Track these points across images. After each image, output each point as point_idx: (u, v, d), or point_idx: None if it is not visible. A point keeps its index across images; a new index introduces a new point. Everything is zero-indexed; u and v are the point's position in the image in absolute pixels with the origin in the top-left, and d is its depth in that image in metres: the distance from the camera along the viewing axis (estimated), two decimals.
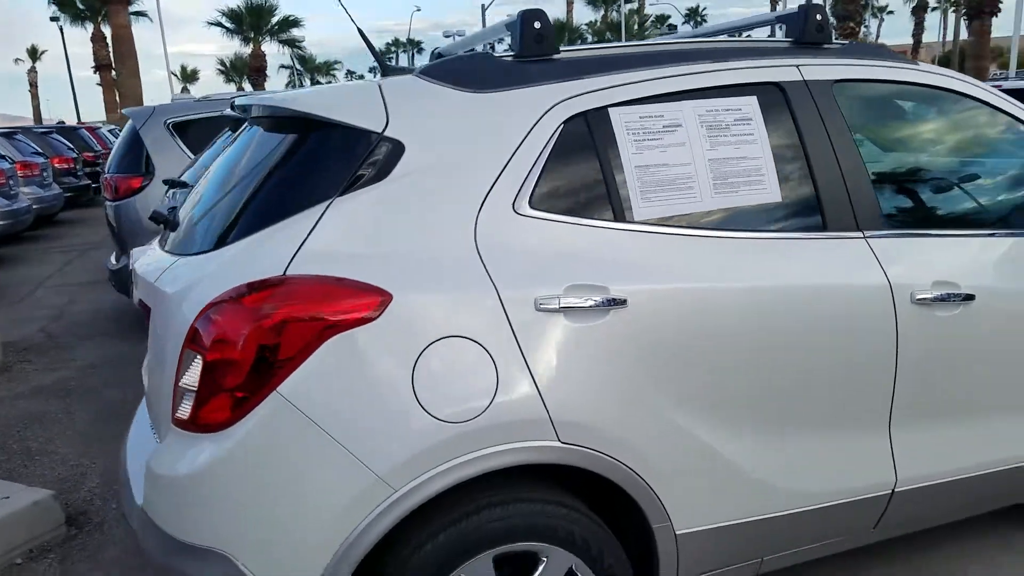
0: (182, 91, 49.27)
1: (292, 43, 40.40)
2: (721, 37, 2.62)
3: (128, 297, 6.72)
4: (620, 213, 2.04)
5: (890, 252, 2.29)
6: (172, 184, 4.60)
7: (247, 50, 39.69)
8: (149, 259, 2.25)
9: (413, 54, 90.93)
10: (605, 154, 2.06)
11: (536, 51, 2.12)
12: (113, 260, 6.10)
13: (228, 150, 2.36)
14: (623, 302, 1.95)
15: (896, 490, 2.37)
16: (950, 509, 2.59)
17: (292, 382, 1.71)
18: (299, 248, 1.79)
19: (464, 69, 2.05)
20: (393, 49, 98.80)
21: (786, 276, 2.15)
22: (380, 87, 1.99)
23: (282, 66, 66.98)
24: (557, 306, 1.89)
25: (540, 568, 1.93)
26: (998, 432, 2.52)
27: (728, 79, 2.23)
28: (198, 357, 1.75)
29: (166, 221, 2.39)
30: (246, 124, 2.38)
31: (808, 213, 2.24)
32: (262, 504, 1.72)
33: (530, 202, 1.95)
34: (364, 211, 1.85)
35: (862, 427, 2.29)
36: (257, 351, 1.70)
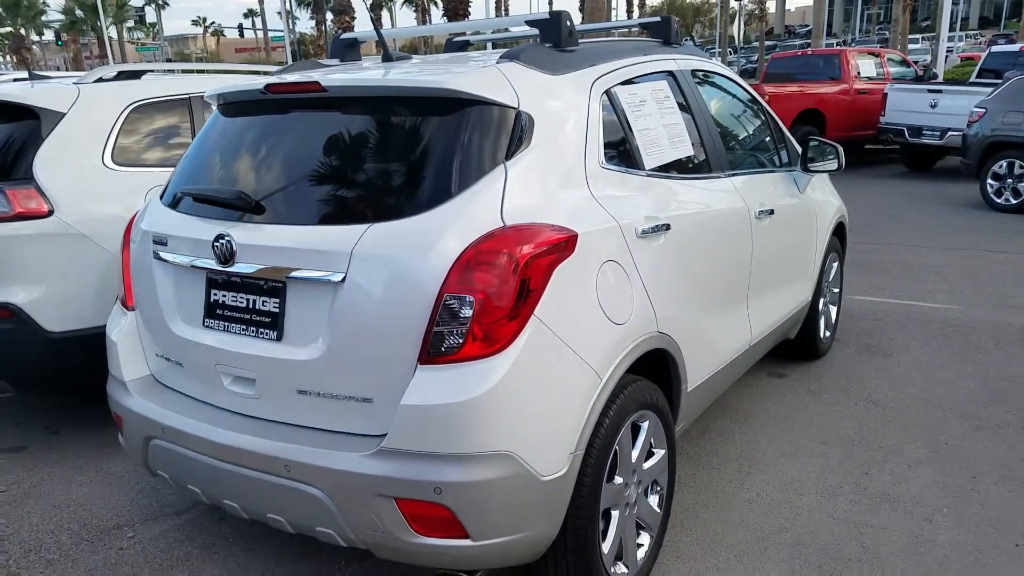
0: None
1: None
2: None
3: None
4: (640, 164, 2.78)
5: (739, 186, 3.42)
6: None
7: None
8: (257, 233, 2.29)
9: None
10: (622, 121, 2.76)
11: (570, 43, 2.72)
12: None
13: (291, 131, 2.46)
14: (669, 226, 2.72)
15: (751, 344, 3.56)
16: (763, 351, 3.89)
17: (541, 306, 2.13)
18: (502, 204, 2.19)
19: (540, 56, 2.56)
20: None
21: (715, 203, 3.15)
22: (499, 69, 2.41)
23: None
24: (649, 230, 2.59)
25: (644, 427, 2.61)
26: (785, 293, 3.91)
27: (653, 67, 3.10)
28: (466, 299, 2.05)
29: (231, 202, 2.37)
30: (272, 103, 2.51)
31: (703, 162, 3.24)
32: (532, 406, 2.11)
33: (604, 159, 2.58)
34: (527, 172, 2.29)
35: (742, 301, 3.41)
36: (520, 285, 2.09)
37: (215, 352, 2.41)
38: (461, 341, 2.06)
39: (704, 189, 3.14)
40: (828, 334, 4.88)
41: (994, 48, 14.80)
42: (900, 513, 3.12)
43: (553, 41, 2.71)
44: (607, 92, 2.73)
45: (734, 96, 3.89)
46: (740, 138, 3.81)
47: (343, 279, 2.15)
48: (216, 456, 2.34)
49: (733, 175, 3.42)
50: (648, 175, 2.80)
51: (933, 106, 12.08)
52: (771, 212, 3.61)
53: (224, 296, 2.41)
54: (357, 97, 2.39)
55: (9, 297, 3.47)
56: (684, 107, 3.22)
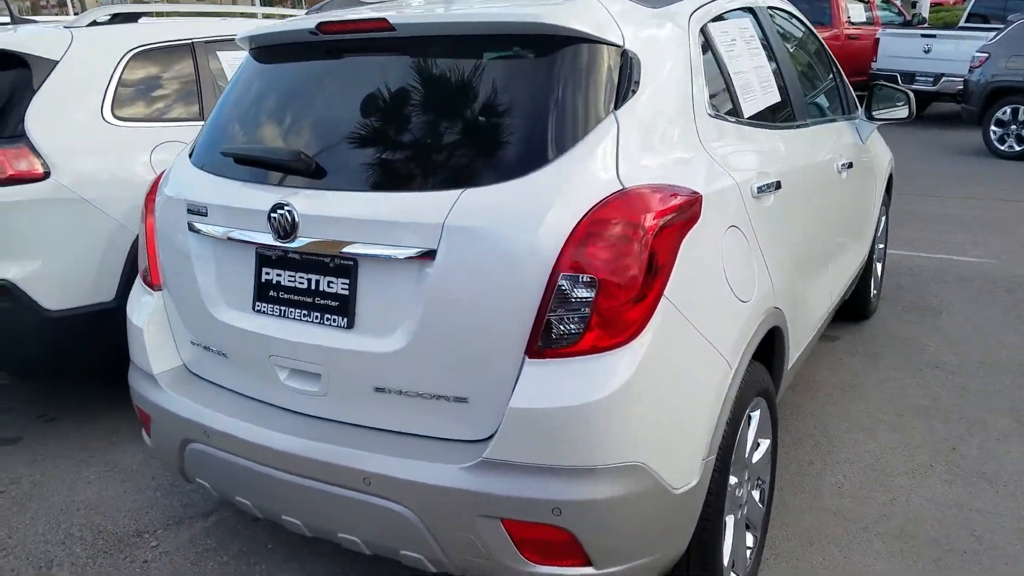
0: None
1: None
2: None
3: None
4: (740, 112, 2.41)
5: (823, 136, 3.07)
6: None
7: None
8: (323, 202, 1.90)
9: None
10: (719, 62, 2.39)
11: None
12: None
13: (351, 80, 2.06)
14: (780, 184, 2.37)
15: (830, 310, 3.25)
16: (832, 317, 3.58)
17: (671, 285, 1.78)
18: (617, 163, 1.82)
19: None
20: None
21: (810, 156, 2.81)
22: (598, 0, 2.01)
23: None
24: (764, 187, 2.25)
25: (755, 417, 2.29)
26: (852, 253, 3.60)
27: (736, 2, 2.71)
28: (585, 279, 1.69)
29: (289, 165, 1.98)
30: (329, 47, 2.10)
31: (788, 109, 2.88)
32: (663, 406, 1.77)
33: (709, 106, 2.22)
34: (639, 124, 1.92)
35: (827, 264, 3.09)
36: (649, 260, 1.73)
37: (269, 341, 2.03)
38: (579, 330, 1.71)
39: (797, 140, 2.79)
40: (875, 292, 4.60)
41: None
42: (1003, 495, 2.86)
43: None
44: (702, 29, 2.35)
45: (803, 36, 3.52)
46: (814, 83, 3.45)
47: (433, 256, 1.78)
48: (275, 465, 1.98)
49: (816, 123, 3.07)
50: (749, 124, 2.44)
51: (927, 51, 11.81)
52: (850, 165, 3.28)
53: (279, 276, 2.02)
54: (435, 37, 1.98)
55: (2, 273, 3.04)
56: (766, 48, 2.85)
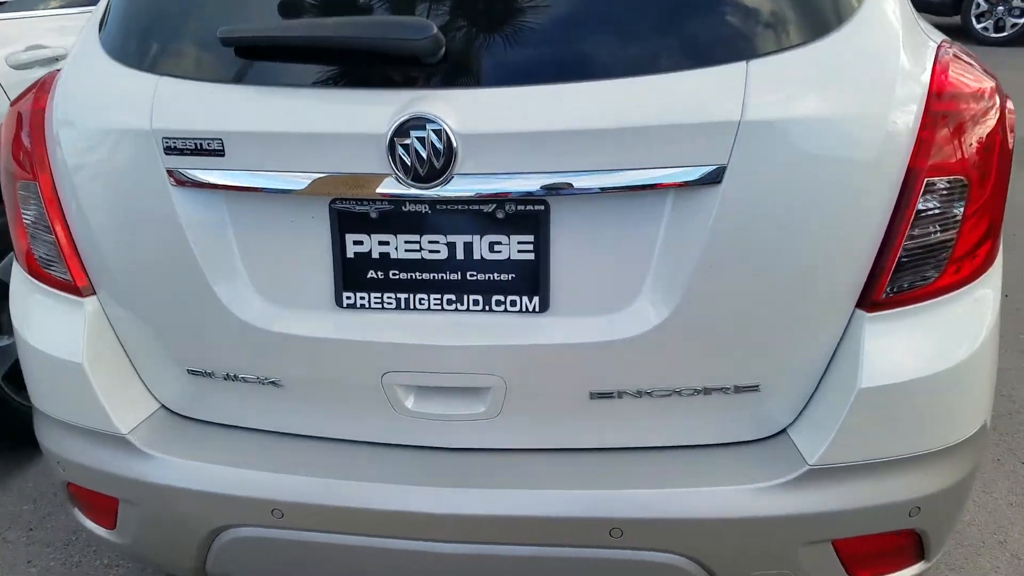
0: None
1: None
2: None
3: None
4: None
5: None
6: None
7: None
8: (498, 107, 1.10)
9: None
10: None
11: None
12: None
13: None
14: None
15: None
16: None
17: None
18: (913, 12, 1.28)
19: None
20: None
21: None
22: None
23: None
24: None
25: None
26: None
27: None
28: (950, 184, 1.14)
29: (415, 47, 1.10)
30: None
31: None
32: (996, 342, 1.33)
33: None
34: None
35: None
36: (1008, 152, 1.22)
37: (379, 351, 1.23)
38: (941, 262, 1.18)
39: None
40: None
41: None
42: None
43: None
44: None
45: None
46: None
47: (720, 177, 1.10)
48: (435, 536, 1.25)
49: None
50: None
51: None
52: None
53: (386, 245, 1.21)
54: None
55: None
56: None
